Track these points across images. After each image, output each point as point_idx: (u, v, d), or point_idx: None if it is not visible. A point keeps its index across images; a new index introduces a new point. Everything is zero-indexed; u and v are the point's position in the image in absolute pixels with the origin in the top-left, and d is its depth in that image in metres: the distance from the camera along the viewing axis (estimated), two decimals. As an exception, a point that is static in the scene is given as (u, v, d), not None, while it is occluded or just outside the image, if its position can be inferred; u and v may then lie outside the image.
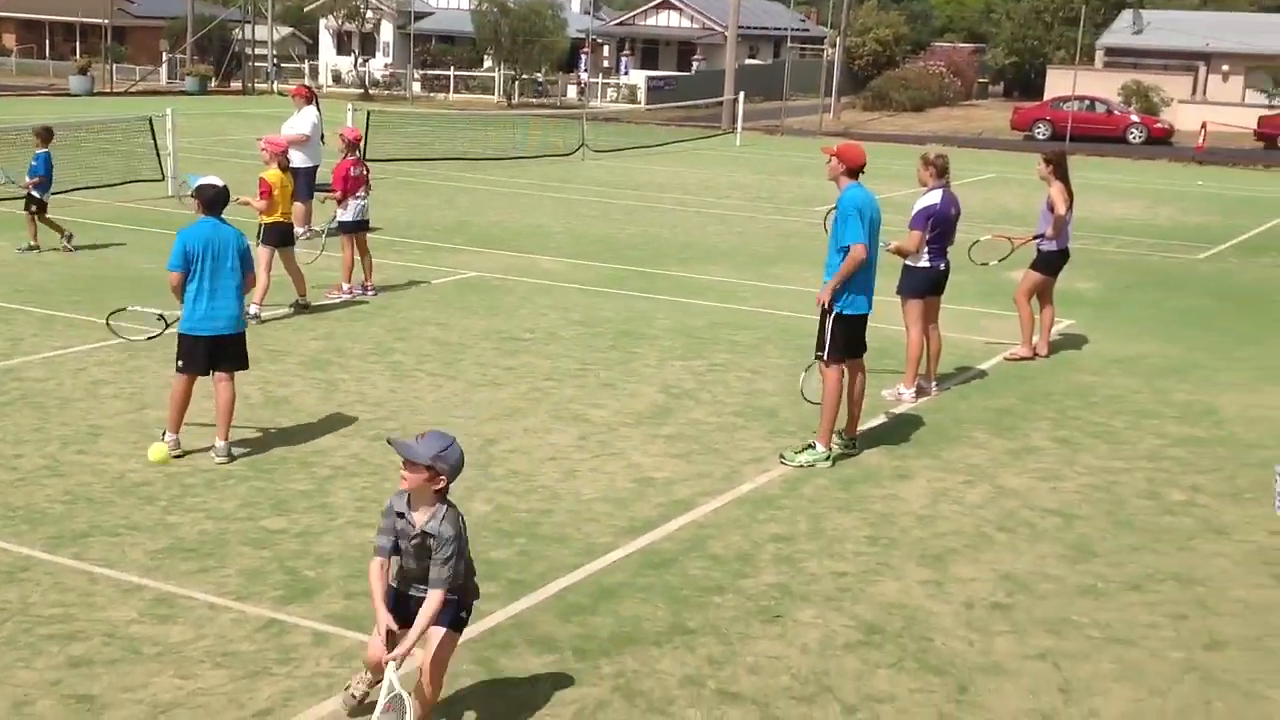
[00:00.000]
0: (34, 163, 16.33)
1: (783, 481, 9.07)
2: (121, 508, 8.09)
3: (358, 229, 14.60)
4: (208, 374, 9.08)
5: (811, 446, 9.52)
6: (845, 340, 9.48)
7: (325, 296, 14.28)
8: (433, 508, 5.36)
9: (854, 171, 9.43)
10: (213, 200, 9.11)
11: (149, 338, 9.59)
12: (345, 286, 14.52)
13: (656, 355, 12.50)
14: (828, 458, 9.43)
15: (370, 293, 14.64)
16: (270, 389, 10.83)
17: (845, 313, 9.41)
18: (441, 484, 5.31)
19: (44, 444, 9.20)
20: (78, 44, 73.83)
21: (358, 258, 14.60)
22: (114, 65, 59.03)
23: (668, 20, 71.48)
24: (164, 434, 9.07)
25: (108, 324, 9.71)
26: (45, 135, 16.52)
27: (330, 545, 7.64)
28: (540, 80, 59.71)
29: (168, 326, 9.22)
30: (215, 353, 9.03)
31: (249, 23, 64.11)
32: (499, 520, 8.13)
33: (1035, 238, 12.85)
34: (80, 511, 7.99)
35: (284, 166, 13.51)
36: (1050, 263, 12.84)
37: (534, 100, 57.77)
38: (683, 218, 22.68)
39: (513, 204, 23.60)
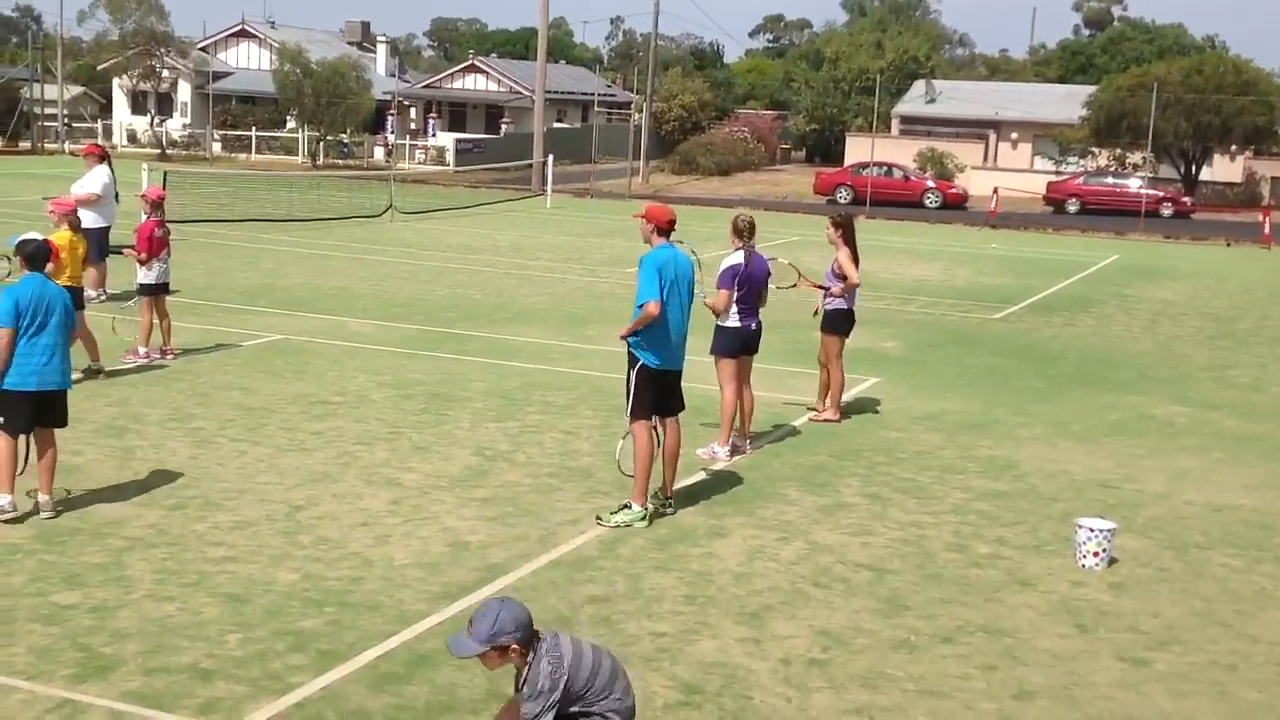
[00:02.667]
0: None
1: (599, 542, 8.99)
2: (-105, 587, 7.57)
3: (158, 291, 14.14)
4: (29, 431, 8.92)
5: (628, 506, 9.47)
6: (652, 396, 9.50)
7: (121, 360, 13.74)
8: (526, 666, 5.21)
9: (664, 231, 9.55)
10: (33, 255, 9.13)
11: None
12: (142, 350, 14.01)
13: (470, 417, 12.33)
14: (643, 517, 9.40)
15: (169, 357, 14.14)
16: (62, 457, 10.18)
17: (648, 365, 9.44)
18: (516, 652, 5.15)
19: None
20: None
21: (156, 321, 14.12)
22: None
23: (474, 83, 71.68)
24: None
25: None
26: None
27: (127, 620, 7.25)
28: (345, 142, 59.07)
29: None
30: (42, 409, 8.91)
31: (38, 81, 61.93)
32: (308, 589, 7.84)
33: (820, 287, 13.03)
34: None
35: (74, 227, 13.00)
36: (840, 323, 13.02)
37: (339, 162, 57.09)
38: (494, 279, 22.58)
39: (319, 266, 23.17)
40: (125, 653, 6.83)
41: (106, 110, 71.75)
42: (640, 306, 9.32)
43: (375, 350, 15.42)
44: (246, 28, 72.74)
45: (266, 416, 11.98)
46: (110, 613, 7.35)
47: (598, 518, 9.44)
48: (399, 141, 61.17)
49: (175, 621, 7.26)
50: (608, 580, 8.28)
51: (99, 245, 16.94)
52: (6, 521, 8.71)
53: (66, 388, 9.12)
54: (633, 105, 64.56)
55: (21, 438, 8.93)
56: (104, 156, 18.16)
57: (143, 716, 6.15)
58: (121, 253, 15.33)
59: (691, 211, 33.65)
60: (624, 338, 9.56)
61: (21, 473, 8.90)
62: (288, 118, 60.86)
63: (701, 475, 10.81)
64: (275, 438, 11.28)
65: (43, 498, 8.94)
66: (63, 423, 9.18)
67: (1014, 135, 61.21)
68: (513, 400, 13.12)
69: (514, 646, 5.13)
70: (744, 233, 11.44)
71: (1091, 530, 8.94)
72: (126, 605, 7.47)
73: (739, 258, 11.31)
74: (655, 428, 9.59)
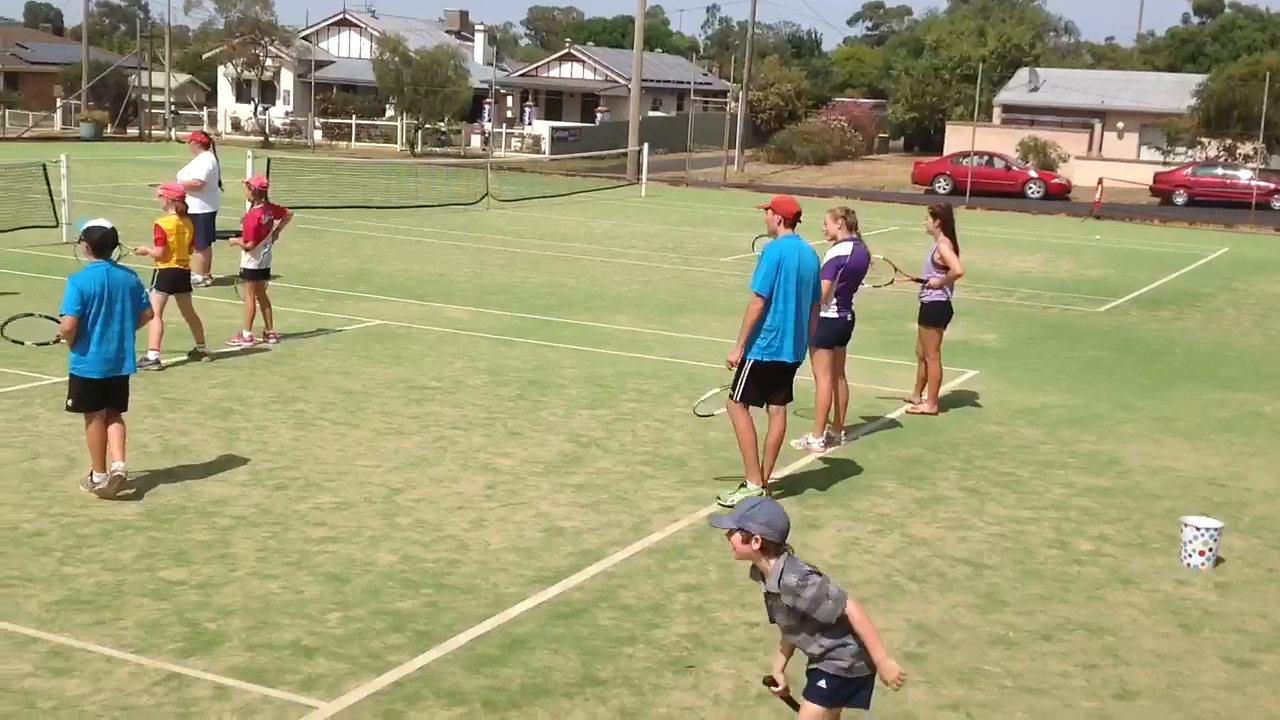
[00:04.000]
0: None
1: (693, 531, 8.99)
2: (14, 559, 7.79)
3: (260, 276, 14.38)
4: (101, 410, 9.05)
5: (744, 485, 9.52)
6: (755, 388, 9.50)
7: (225, 344, 14.00)
8: (768, 566, 5.22)
9: (790, 222, 9.63)
10: (100, 242, 9.11)
11: (42, 344, 9.44)
12: (246, 334, 14.26)
13: (564, 404, 12.39)
14: (760, 494, 9.38)
15: (272, 340, 14.39)
16: (169, 437, 10.56)
17: (758, 359, 9.44)
18: (757, 543, 5.17)
19: (-71, 494, 8.87)
20: (-26, 89, 72.21)
21: (258, 305, 14.37)
22: (6, 111, 57.81)
23: (571, 72, 71.91)
24: (90, 475, 8.98)
25: (1, 333, 9.50)
26: None
27: (231, 597, 7.40)
28: (443, 130, 59.58)
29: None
30: (108, 393, 9.04)
31: (146, 69, 63.28)
32: (405, 570, 7.95)
33: (918, 280, 12.92)
34: (-34, 564, 7.68)
35: (181, 212, 13.28)
36: (938, 315, 12.87)
37: (437, 150, 57.60)
38: (588, 267, 22.65)
39: (416, 252, 23.41)
40: (230, 628, 6.98)
41: (211, 98, 73.12)
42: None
43: (471, 336, 15.55)
44: (348, 17, 73.62)
45: (365, 400, 12.14)
46: (216, 589, 7.50)
47: (718, 498, 9.51)
48: (495, 130, 61.55)
49: (278, 599, 7.40)
50: (700, 569, 8.28)
51: (205, 231, 17.28)
52: (119, 496, 8.90)
53: (131, 372, 9.16)
54: (729, 94, 64.34)
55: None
56: (208, 144, 18.51)
57: (246, 691, 6.28)
58: (228, 239, 15.62)
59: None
60: (733, 363, 9.54)
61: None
62: (387, 106, 61.55)
63: (797, 466, 10.76)
64: (374, 421, 11.43)
65: (117, 465, 8.97)
66: (124, 406, 9.21)
67: (1120, 125, 60.03)
68: (606, 388, 13.16)
69: (758, 538, 5.16)
70: (853, 225, 11.43)
71: (1198, 529, 8.76)
72: (231, 582, 7.62)
73: (845, 249, 11.25)
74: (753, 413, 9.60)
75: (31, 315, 9.69)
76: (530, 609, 7.47)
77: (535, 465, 10.34)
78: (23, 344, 9.73)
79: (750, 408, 9.59)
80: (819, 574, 5.20)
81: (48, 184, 22.98)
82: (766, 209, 9.79)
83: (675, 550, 8.60)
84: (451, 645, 6.93)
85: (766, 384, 9.56)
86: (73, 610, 7.11)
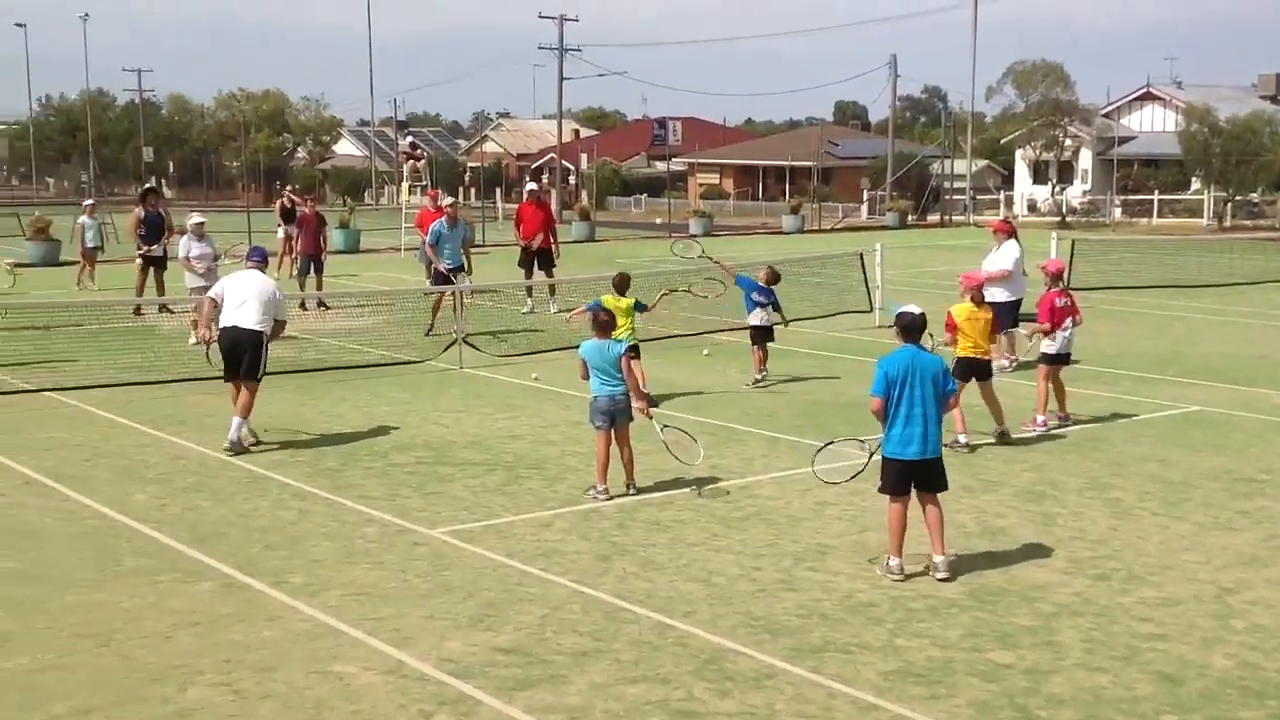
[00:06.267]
0: (757, 292, 17.32)
1: None
2: (852, 626, 8.33)
3: (1058, 361, 14.28)
4: (908, 495, 9.33)
5: None
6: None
7: (1021, 429, 14.00)
8: None
9: None
10: (909, 327, 9.45)
11: (852, 476, 10.08)
12: (1040, 419, 14.17)
13: None
14: None
15: (1067, 423, 14.19)
16: (985, 519, 10.79)
17: None
18: None
19: (779, 559, 9.72)
20: (787, 185, 79.40)
21: (1051, 389, 14.25)
22: (820, 204, 62.69)
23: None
24: (888, 559, 9.31)
25: (813, 472, 10.32)
26: (772, 277, 17.54)
27: (1060, 686, 7.37)
28: (1255, 201, 56.06)
29: (871, 456, 9.68)
30: (916, 476, 9.27)
31: (948, 157, 65.79)
32: (1245, 678, 7.47)
33: None
34: (814, 626, 8.32)
35: (976, 301, 13.50)
36: None
37: (1248, 222, 54.29)
38: None
39: (1232, 333, 22.15)
40: (1060, 718, 6.94)
41: (1008, 181, 74.47)
42: None
43: (1301, 425, 14.39)
44: (1151, 90, 71.82)
45: (1186, 491, 11.63)
46: (1044, 676, 7.51)
47: None
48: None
49: (1108, 694, 7.26)
50: None
51: (1010, 318, 17.53)
52: (900, 580, 9.16)
53: (935, 456, 9.29)
54: None
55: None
56: (1012, 232, 18.77)
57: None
58: (1022, 328, 15.65)
59: None
60: None
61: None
62: (1192, 179, 59.10)
63: None
64: (1197, 514, 10.91)
65: (936, 558, 9.20)
66: (939, 487, 9.33)
67: None
68: None
69: None
70: None
71: None
72: (1059, 671, 7.59)
73: None
74: None
75: (831, 445, 10.39)
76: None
77: (1387, 572, 9.31)
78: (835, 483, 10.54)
79: None
80: None
81: (863, 271, 24.55)
82: None
83: None
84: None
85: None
86: (908, 682, 7.44)
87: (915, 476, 9.28)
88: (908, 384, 9.19)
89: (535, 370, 17.86)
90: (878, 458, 9.53)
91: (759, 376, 16.96)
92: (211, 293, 13.93)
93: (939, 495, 9.39)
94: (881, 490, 9.42)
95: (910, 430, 9.19)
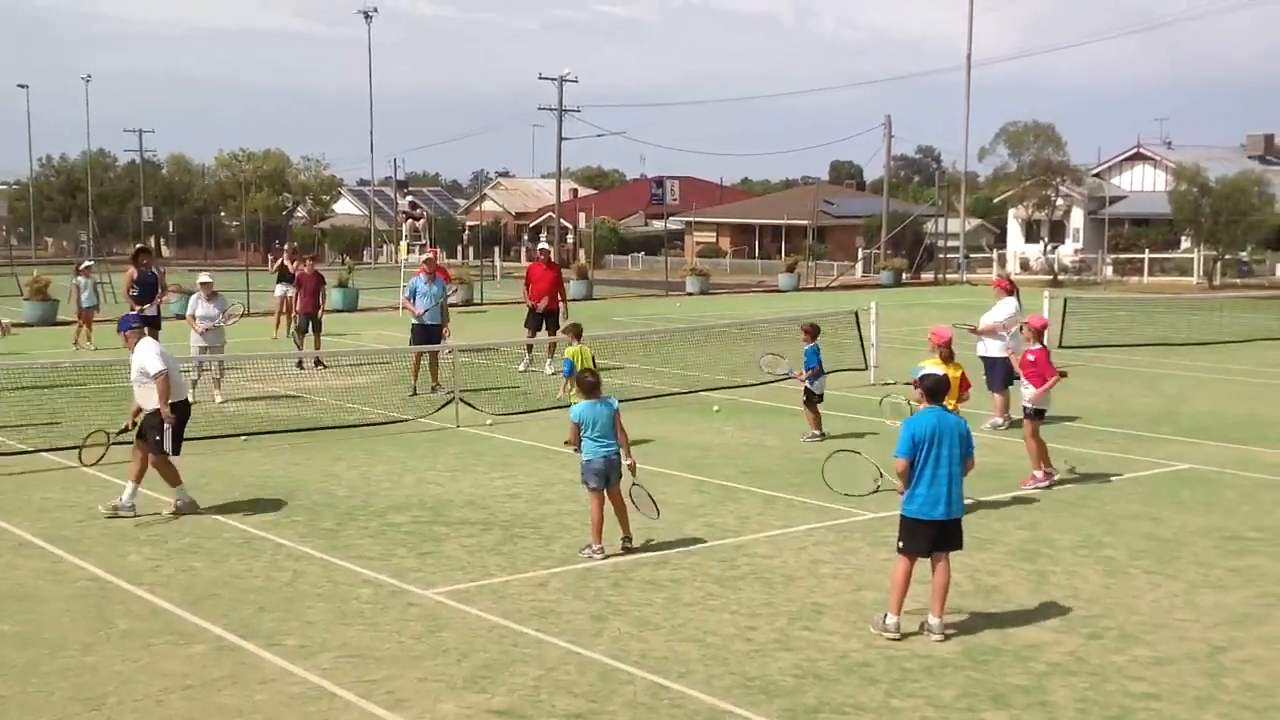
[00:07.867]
0: (805, 356, 17.45)
1: None
2: (847, 686, 8.34)
3: (1035, 416, 14.34)
4: (927, 556, 9.34)
5: None
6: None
7: (1019, 487, 14.04)
8: None
9: None
10: (933, 389, 9.60)
11: (844, 494, 10.15)
12: (1038, 474, 14.22)
13: None
14: None
15: (1049, 479, 14.22)
16: (979, 577, 10.82)
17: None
18: None
19: (774, 618, 9.74)
20: (783, 244, 79.84)
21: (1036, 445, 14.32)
22: (815, 262, 62.96)
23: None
24: (884, 616, 9.32)
25: (823, 468, 10.40)
26: (812, 331, 17.65)
27: (1053, 746, 7.39)
28: (1244, 260, 56.40)
29: (873, 492, 9.76)
30: (937, 536, 9.34)
31: (941, 216, 66.19)
32: (1237, 737, 7.50)
33: None
34: (810, 686, 8.33)
35: (945, 359, 13.58)
36: None
37: (1237, 281, 54.59)
38: None
39: (1224, 391, 22.25)
40: (1053, 779, 6.96)
41: (1000, 240, 74.90)
42: None
43: None
44: (1142, 150, 72.43)
45: (1178, 549, 11.68)
46: (1037, 736, 7.53)
47: None
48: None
49: (1101, 754, 7.27)
50: None
51: (1004, 372, 17.62)
52: (895, 639, 9.17)
53: (957, 515, 9.42)
54: None
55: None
56: (1012, 290, 18.94)
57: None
58: (1019, 379, 15.72)
59: None
60: None
61: None
62: (1182, 238, 59.48)
63: None
64: (1188, 572, 10.96)
65: (932, 620, 9.26)
66: (958, 545, 9.54)
67: None
68: None
69: None
70: None
71: None
72: (1052, 731, 7.61)
73: None
74: None
75: (842, 453, 10.44)
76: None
77: (1379, 631, 9.35)
78: (850, 495, 10.51)
79: None
80: None
81: (859, 329, 24.66)
82: None
83: None
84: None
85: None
86: (902, 742, 7.46)
87: (937, 536, 9.37)
88: (934, 445, 9.30)
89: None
90: (893, 513, 9.60)
91: (816, 433, 17.37)
92: (166, 367, 12.85)
93: (951, 555, 9.47)
94: (903, 551, 9.41)
95: (936, 490, 9.29)
